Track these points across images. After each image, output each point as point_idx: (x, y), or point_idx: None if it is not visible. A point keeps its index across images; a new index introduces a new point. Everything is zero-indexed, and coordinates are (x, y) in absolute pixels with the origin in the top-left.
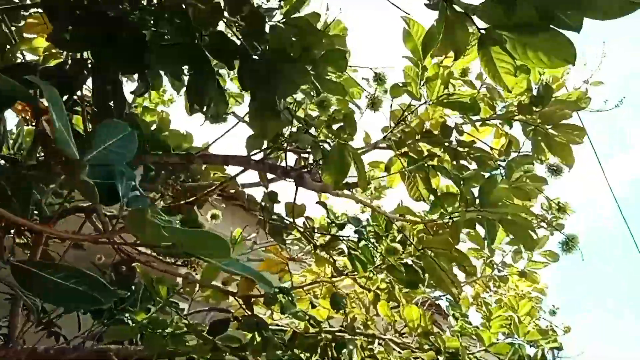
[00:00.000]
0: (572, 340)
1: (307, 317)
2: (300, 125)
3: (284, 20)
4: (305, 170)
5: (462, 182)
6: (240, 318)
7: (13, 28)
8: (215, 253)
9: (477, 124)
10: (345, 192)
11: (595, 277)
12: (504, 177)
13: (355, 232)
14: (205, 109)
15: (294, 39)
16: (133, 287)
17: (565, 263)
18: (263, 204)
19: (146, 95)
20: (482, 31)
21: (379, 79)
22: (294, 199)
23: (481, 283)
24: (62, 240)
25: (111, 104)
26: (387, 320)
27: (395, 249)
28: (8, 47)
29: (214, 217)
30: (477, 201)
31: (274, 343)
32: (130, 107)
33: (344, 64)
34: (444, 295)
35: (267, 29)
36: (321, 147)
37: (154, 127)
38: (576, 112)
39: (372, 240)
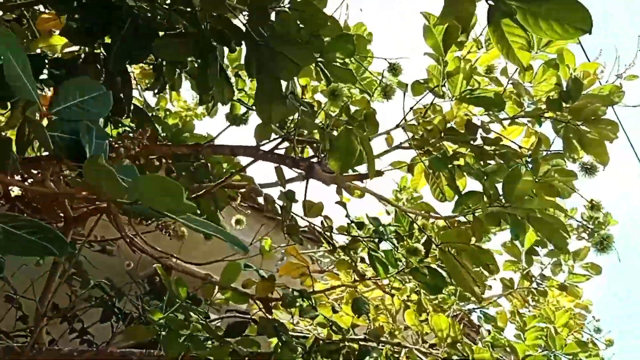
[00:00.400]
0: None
1: (330, 324)
2: (306, 110)
3: (290, 5)
4: (316, 160)
5: (485, 177)
6: (258, 321)
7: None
8: (170, 200)
9: (505, 122)
10: (359, 184)
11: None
12: (530, 171)
13: (374, 232)
14: (212, 99)
15: (301, 25)
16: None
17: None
18: (281, 203)
19: (170, 101)
20: (491, 2)
21: (393, 69)
22: (305, 192)
23: (519, 297)
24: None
25: (121, 95)
26: (415, 330)
27: (416, 249)
28: (25, 41)
29: (238, 222)
30: (502, 198)
31: (292, 347)
32: (153, 110)
33: (351, 49)
34: (477, 308)
35: (272, 16)
36: (328, 134)
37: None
38: (611, 107)
39: (394, 241)
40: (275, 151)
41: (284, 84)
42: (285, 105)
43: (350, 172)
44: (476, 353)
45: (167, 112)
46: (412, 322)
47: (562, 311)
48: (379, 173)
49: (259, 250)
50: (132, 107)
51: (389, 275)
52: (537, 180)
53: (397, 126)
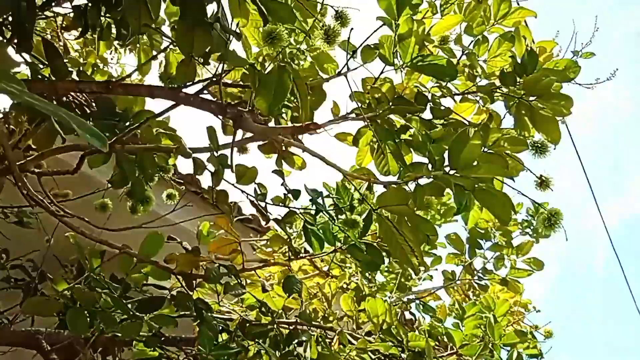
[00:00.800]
0: None
1: (259, 305)
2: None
3: None
4: (247, 109)
5: (431, 142)
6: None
7: None
8: None
9: (457, 98)
10: (297, 142)
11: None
12: (478, 134)
13: (311, 201)
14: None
15: None
16: None
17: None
18: (212, 168)
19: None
20: None
21: (339, 17)
22: (232, 146)
23: (460, 291)
24: None
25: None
26: (350, 315)
27: (355, 221)
28: None
29: (170, 196)
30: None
31: (212, 326)
32: (79, 64)
33: None
34: (416, 299)
35: None
36: (258, 73)
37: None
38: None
39: (332, 214)
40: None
41: (210, 9)
42: (210, 34)
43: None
44: (411, 340)
45: (95, 69)
46: (347, 308)
47: (502, 299)
48: (317, 126)
49: (196, 236)
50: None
51: (324, 254)
52: (485, 149)
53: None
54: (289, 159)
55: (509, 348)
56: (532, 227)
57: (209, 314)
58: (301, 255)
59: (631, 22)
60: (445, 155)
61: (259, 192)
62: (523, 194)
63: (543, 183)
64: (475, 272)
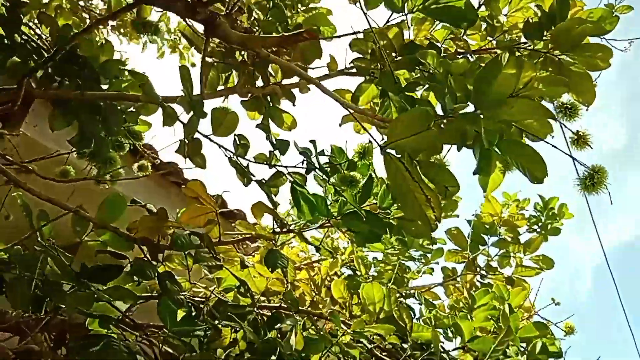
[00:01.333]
0: None
1: (237, 286)
2: None
3: None
4: (224, 11)
5: (450, 78)
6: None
7: None
8: None
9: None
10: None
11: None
12: (515, 60)
13: (301, 153)
14: None
15: None
16: None
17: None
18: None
19: None
20: None
21: None
22: (203, 57)
23: (460, 291)
24: None
25: None
26: (343, 302)
27: (353, 179)
28: None
29: (141, 168)
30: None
31: (175, 299)
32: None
33: None
34: (413, 292)
35: None
36: None
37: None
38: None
39: (325, 173)
40: None
41: None
42: None
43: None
44: (415, 331)
45: (58, 11)
46: (339, 295)
47: (518, 289)
48: (312, 35)
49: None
50: None
51: (316, 227)
52: (515, 93)
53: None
54: (278, 117)
55: (524, 344)
56: (540, 224)
57: (176, 287)
58: (288, 228)
59: None
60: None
61: (238, 144)
62: (559, 149)
63: (580, 140)
64: (478, 270)
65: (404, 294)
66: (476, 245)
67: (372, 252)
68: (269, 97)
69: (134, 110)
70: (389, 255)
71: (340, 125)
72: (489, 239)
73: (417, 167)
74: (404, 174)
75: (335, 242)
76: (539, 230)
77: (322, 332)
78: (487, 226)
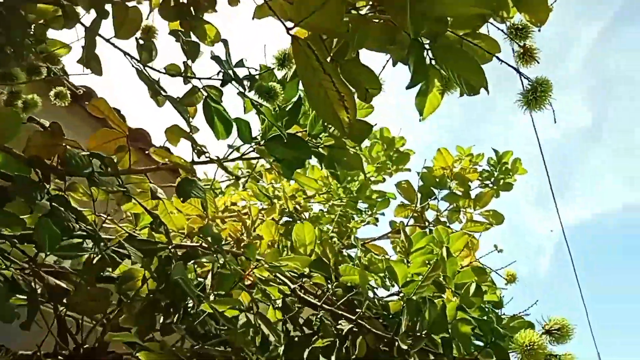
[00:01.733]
0: None
1: (151, 222)
2: None
3: None
4: None
5: None
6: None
7: None
8: None
9: None
10: None
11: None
12: None
13: (213, 58)
14: None
15: None
16: None
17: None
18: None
19: None
20: None
21: None
22: None
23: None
24: None
25: None
26: (272, 245)
27: (271, 90)
28: None
29: (59, 95)
30: None
31: (59, 221)
32: None
33: None
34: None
35: None
36: None
37: None
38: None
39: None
40: None
41: None
42: None
43: None
44: (343, 272)
45: None
46: (269, 236)
47: (459, 233)
48: None
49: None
50: None
51: (237, 158)
52: None
53: None
54: (200, 29)
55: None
56: (492, 179)
57: (69, 213)
58: (207, 156)
59: None
60: None
61: (141, 45)
62: (507, 63)
63: (527, 54)
64: (427, 225)
65: (346, 244)
66: (425, 199)
67: (317, 204)
68: (192, 9)
69: (44, 23)
70: (334, 206)
71: (253, 18)
72: (439, 192)
73: (332, 60)
74: (313, 65)
75: (277, 191)
76: (491, 185)
77: (235, 268)
78: (438, 179)
